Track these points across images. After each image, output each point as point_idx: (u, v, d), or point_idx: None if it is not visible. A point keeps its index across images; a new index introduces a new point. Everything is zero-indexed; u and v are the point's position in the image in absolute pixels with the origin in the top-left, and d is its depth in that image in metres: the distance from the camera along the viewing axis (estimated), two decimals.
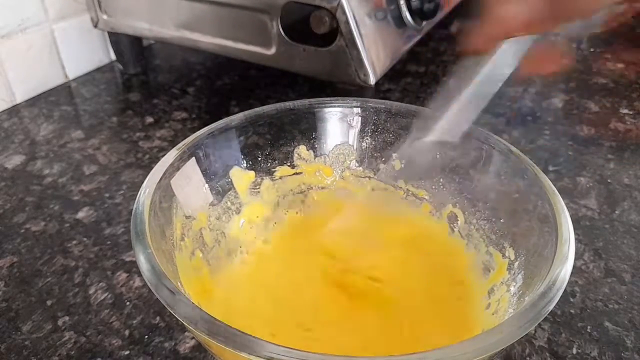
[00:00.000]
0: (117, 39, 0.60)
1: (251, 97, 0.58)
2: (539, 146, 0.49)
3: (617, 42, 0.71)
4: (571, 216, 0.40)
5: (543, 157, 0.47)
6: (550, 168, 0.46)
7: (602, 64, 0.65)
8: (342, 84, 0.47)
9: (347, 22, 0.42)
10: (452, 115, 0.25)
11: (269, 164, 0.34)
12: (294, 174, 0.35)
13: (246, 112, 0.32)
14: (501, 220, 0.29)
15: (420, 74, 0.63)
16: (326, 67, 0.46)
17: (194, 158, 0.29)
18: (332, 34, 0.44)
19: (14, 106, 0.56)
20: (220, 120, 0.31)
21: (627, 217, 0.40)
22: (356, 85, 0.46)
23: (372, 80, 0.45)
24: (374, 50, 0.45)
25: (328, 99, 0.34)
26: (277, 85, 0.60)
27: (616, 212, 0.41)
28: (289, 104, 0.33)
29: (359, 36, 0.43)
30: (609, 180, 0.44)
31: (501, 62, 0.23)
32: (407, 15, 0.49)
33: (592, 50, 0.69)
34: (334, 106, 0.34)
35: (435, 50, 0.69)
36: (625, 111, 0.55)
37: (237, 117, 0.31)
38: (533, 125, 0.52)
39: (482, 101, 0.25)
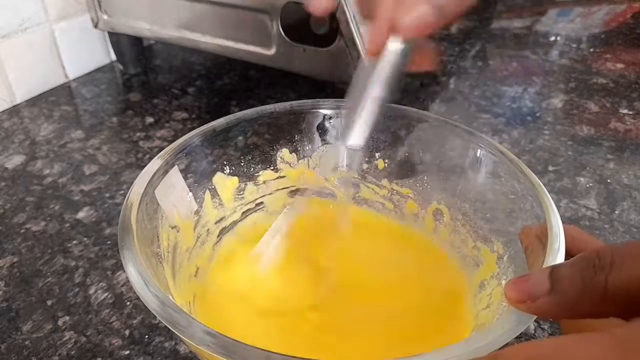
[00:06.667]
0: (117, 39, 0.60)
1: (251, 97, 0.58)
2: (538, 146, 0.49)
3: (617, 42, 0.71)
4: (571, 216, 0.41)
5: (543, 157, 0.47)
6: (550, 168, 0.46)
7: (602, 64, 0.65)
8: (342, 84, 0.47)
9: (347, 22, 0.42)
10: (358, 121, 0.27)
11: (252, 169, 0.33)
12: (277, 177, 0.34)
13: (227, 117, 0.31)
14: (488, 216, 0.29)
15: (420, 74, 0.63)
16: (326, 67, 0.46)
17: (176, 166, 0.28)
18: (332, 34, 0.44)
19: (14, 106, 0.56)
20: (202, 126, 0.30)
21: (627, 217, 0.40)
22: None
23: None
24: None
25: (310, 100, 0.33)
26: (277, 86, 0.60)
27: (616, 212, 0.41)
28: (270, 108, 0.32)
29: (359, 36, 0.43)
30: (608, 180, 0.44)
31: (392, 64, 0.26)
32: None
33: (592, 50, 0.69)
34: (316, 108, 0.33)
35: (435, 50, 0.69)
36: (625, 111, 0.55)
37: (218, 123, 0.31)
38: (533, 125, 0.52)
39: (381, 103, 0.27)
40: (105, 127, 0.53)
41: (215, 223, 0.32)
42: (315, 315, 0.28)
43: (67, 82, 0.62)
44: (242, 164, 0.33)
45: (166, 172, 0.28)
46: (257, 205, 0.34)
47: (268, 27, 0.46)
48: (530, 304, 0.18)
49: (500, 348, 0.18)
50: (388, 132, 0.33)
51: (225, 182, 0.32)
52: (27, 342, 0.31)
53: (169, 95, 0.59)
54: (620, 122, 0.53)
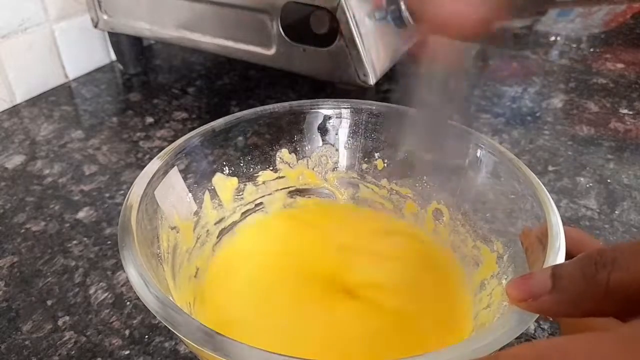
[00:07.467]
0: (117, 39, 0.60)
1: (251, 97, 0.58)
2: (538, 146, 0.49)
3: (617, 42, 0.71)
4: (571, 216, 0.41)
5: (543, 157, 0.47)
6: (550, 168, 0.46)
7: (602, 64, 0.65)
8: (342, 84, 0.47)
9: (347, 22, 0.43)
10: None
11: (252, 170, 0.33)
12: (277, 178, 0.34)
13: (227, 118, 0.31)
14: (488, 216, 0.29)
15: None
16: (326, 67, 0.46)
17: (176, 167, 0.28)
18: (332, 34, 0.44)
19: (14, 106, 0.56)
20: (201, 127, 0.30)
21: (627, 217, 0.40)
22: (356, 85, 0.46)
23: (372, 81, 0.45)
24: (374, 51, 0.45)
25: (309, 101, 0.33)
26: (277, 86, 0.60)
27: (616, 212, 0.41)
28: (269, 108, 0.32)
29: (359, 36, 0.43)
30: (608, 180, 0.44)
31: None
32: (407, 15, 0.49)
33: (592, 50, 0.69)
34: (316, 108, 0.33)
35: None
36: (625, 111, 0.55)
37: (217, 123, 0.31)
38: (533, 125, 0.52)
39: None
40: (105, 127, 0.53)
41: (215, 224, 0.32)
42: (316, 316, 0.28)
43: (67, 82, 0.62)
44: (242, 164, 0.33)
45: (166, 172, 0.28)
46: (256, 205, 0.34)
47: (268, 27, 0.46)
48: (532, 302, 0.18)
49: (500, 348, 0.18)
50: (388, 132, 0.33)
51: (224, 183, 0.32)
52: (27, 342, 0.31)
53: (169, 95, 0.59)
54: (620, 122, 0.53)
